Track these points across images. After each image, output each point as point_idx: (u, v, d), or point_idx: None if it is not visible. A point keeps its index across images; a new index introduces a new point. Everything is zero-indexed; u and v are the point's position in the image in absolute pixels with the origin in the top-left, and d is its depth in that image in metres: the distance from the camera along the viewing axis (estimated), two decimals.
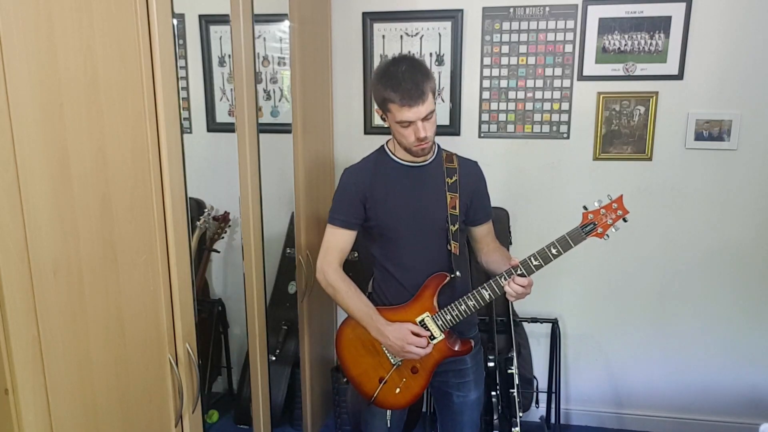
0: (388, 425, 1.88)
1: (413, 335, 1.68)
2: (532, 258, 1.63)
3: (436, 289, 1.72)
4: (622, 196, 1.62)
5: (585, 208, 1.64)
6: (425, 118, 1.60)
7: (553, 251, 1.61)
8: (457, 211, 1.73)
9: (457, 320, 1.70)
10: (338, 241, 1.76)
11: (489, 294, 1.67)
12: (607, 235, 1.63)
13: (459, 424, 1.88)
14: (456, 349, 1.74)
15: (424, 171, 1.75)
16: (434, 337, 1.71)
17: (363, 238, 1.82)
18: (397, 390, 1.77)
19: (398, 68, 1.59)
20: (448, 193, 1.73)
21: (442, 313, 1.70)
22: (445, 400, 1.88)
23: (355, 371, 1.81)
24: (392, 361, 1.76)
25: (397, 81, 1.57)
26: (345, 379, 1.85)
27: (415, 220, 1.73)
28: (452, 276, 1.72)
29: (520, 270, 1.62)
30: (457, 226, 1.73)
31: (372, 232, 1.78)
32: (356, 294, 1.74)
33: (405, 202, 1.72)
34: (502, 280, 1.64)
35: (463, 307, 1.69)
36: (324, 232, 1.79)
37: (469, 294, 1.69)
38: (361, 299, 1.74)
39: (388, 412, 1.86)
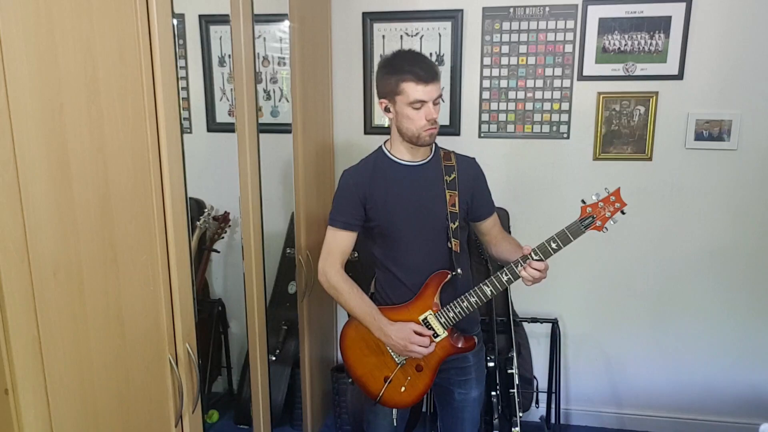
0: (395, 424, 1.88)
1: (416, 334, 1.69)
2: (532, 253, 1.63)
3: (438, 286, 1.72)
4: (619, 188, 1.62)
5: (583, 201, 1.64)
6: (435, 102, 1.64)
7: (553, 245, 1.62)
8: (457, 208, 1.73)
9: (460, 317, 1.71)
10: (339, 242, 1.76)
11: (491, 290, 1.68)
12: (605, 227, 1.63)
13: (460, 421, 1.89)
14: (459, 346, 1.75)
15: (423, 170, 1.75)
16: (437, 335, 1.72)
17: (364, 238, 1.82)
18: (402, 389, 1.78)
19: (406, 54, 1.67)
20: (447, 191, 1.73)
21: (444, 311, 1.71)
22: (447, 398, 1.88)
23: (360, 371, 1.81)
24: (396, 360, 1.76)
25: (412, 62, 1.63)
26: (350, 380, 1.85)
27: (416, 219, 1.73)
28: (453, 274, 1.72)
29: (538, 255, 1.63)
30: (457, 223, 1.73)
31: (373, 232, 1.78)
32: (358, 294, 1.75)
33: (405, 202, 1.73)
34: (518, 266, 1.64)
35: (465, 303, 1.69)
36: (324, 232, 1.79)
37: (471, 291, 1.69)
38: (363, 299, 1.75)
39: (394, 411, 1.87)
